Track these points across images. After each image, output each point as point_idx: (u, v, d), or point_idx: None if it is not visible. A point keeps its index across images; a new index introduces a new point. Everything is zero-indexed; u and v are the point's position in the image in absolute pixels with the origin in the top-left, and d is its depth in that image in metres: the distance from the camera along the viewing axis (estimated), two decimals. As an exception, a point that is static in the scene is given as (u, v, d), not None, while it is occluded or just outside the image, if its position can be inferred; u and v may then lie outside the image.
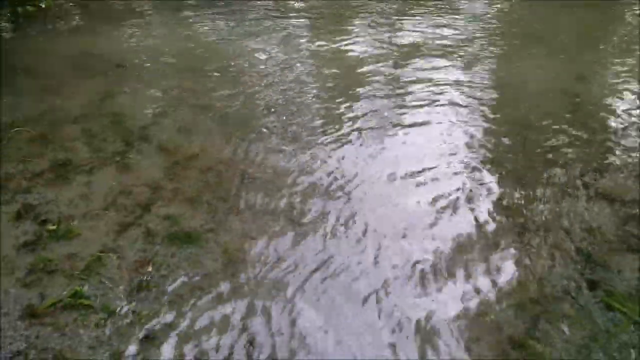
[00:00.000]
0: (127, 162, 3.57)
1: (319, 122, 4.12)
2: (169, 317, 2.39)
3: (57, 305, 2.42)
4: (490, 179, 3.48)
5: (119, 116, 4.06)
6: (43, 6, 5.00)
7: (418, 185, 3.41)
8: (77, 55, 4.72)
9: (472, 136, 3.98)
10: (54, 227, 2.97)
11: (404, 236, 2.95)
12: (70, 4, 5.46)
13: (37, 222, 3.01)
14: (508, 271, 2.71)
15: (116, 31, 5.09)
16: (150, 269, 2.69)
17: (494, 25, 6.19)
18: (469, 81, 4.85)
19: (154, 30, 5.19)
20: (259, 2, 6.23)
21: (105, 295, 2.50)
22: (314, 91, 4.56)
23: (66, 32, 5.02)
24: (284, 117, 4.14)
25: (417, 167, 3.57)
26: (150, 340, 2.27)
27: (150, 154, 3.66)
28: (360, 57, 5.25)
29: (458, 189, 3.36)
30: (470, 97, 4.55)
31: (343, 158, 3.67)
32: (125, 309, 2.43)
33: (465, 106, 4.41)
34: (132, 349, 2.23)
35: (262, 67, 4.84)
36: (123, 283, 2.58)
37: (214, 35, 5.21)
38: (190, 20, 5.41)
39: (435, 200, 3.25)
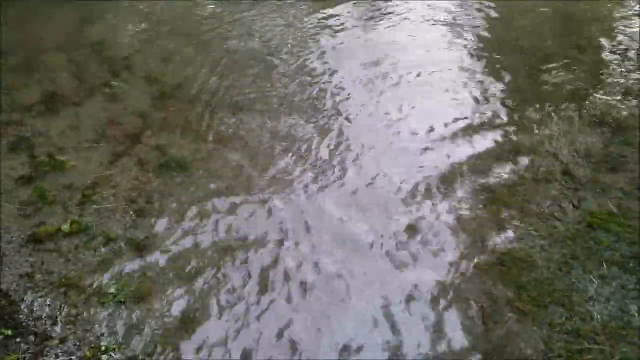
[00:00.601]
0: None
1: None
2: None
3: (58, 232, 2.56)
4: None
5: (100, 44, 4.02)
6: None
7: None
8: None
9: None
10: (48, 159, 3.07)
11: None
12: None
13: (31, 155, 3.10)
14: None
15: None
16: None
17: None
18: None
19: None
20: None
21: (103, 223, 2.64)
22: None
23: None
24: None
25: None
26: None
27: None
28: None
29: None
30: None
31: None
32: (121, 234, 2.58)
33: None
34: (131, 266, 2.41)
35: None
36: (118, 211, 2.72)
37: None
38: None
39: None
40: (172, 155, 3.14)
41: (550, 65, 3.91)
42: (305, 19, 4.51)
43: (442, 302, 2.26)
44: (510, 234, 2.60)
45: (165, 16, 4.38)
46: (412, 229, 2.62)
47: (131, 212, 2.71)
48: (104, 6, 4.41)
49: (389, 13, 4.68)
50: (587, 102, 3.54)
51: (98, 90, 3.64)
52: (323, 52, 4.09)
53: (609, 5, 4.84)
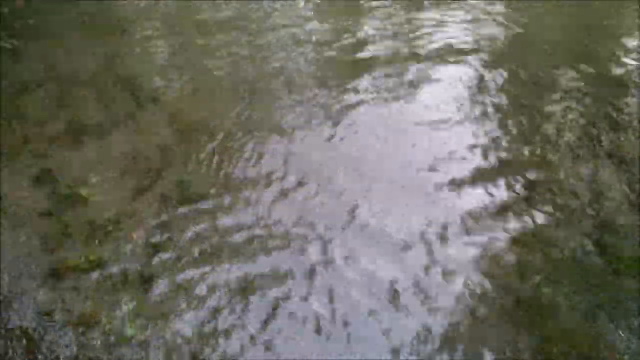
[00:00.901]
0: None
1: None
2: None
3: (77, 269, 2.58)
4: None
5: (128, 78, 4.10)
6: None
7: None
8: (83, 18, 4.73)
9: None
10: (70, 193, 3.11)
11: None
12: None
13: (54, 187, 3.15)
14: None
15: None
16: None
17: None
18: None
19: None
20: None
21: (123, 258, 2.66)
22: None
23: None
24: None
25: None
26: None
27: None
28: None
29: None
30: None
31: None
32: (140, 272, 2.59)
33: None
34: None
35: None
36: (139, 247, 2.73)
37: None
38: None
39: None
40: (194, 189, 3.16)
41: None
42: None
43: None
44: (533, 279, 2.53)
45: (194, 53, 4.44)
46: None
47: (151, 248, 2.72)
48: (134, 42, 4.51)
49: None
50: (605, 138, 3.48)
51: (124, 122, 3.70)
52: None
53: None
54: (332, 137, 3.58)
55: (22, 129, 3.58)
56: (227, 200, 3.07)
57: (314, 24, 4.87)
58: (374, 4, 5.36)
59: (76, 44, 4.48)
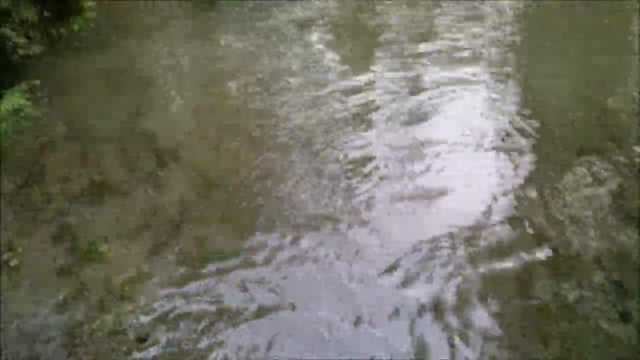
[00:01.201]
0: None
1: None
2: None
3: (95, 333, 2.53)
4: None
5: (150, 135, 4.16)
6: (76, 28, 5.16)
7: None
8: (107, 74, 4.88)
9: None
10: (89, 249, 3.11)
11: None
12: (104, 23, 5.61)
13: (73, 245, 3.15)
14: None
15: (144, 49, 5.23)
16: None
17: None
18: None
19: (180, 46, 5.30)
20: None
21: (138, 324, 2.61)
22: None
23: (96, 52, 5.18)
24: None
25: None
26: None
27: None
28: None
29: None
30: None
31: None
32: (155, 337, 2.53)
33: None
34: None
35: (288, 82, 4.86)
36: (155, 310, 2.68)
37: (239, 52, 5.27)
38: (216, 35, 5.49)
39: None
40: (212, 248, 3.14)
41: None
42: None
43: None
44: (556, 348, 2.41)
45: (213, 108, 4.52)
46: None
47: (167, 313, 2.67)
48: (157, 97, 4.61)
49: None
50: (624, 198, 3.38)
51: (145, 180, 3.73)
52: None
53: None
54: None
55: (46, 186, 3.63)
56: (244, 260, 3.03)
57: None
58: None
59: (100, 98, 4.60)
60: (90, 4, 5.33)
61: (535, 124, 4.19)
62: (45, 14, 5.11)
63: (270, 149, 4.04)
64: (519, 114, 4.38)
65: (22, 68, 4.73)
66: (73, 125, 4.20)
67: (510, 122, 4.28)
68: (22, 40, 4.62)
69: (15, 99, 2.69)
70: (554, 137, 4.04)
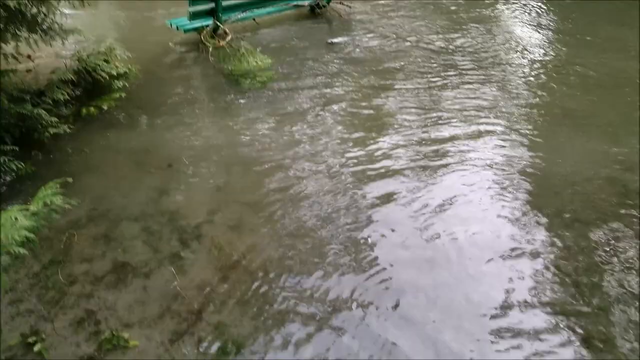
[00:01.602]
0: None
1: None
2: None
3: None
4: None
5: (174, 214, 4.25)
6: (105, 108, 5.38)
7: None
8: (133, 152, 5.03)
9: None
10: (112, 336, 3.14)
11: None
12: (130, 104, 5.86)
13: (96, 330, 3.19)
14: None
15: (170, 129, 5.42)
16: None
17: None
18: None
19: (205, 128, 5.49)
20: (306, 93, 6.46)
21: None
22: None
23: (123, 130, 5.36)
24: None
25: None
26: None
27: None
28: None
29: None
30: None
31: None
32: None
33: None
34: None
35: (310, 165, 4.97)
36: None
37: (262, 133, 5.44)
38: (240, 118, 5.69)
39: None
40: (231, 335, 3.17)
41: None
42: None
43: None
44: None
45: (236, 187, 4.61)
46: None
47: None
48: (180, 176, 4.72)
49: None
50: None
51: (168, 260, 3.79)
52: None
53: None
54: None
55: (70, 266, 3.70)
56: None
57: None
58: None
59: (126, 177, 4.71)
60: (120, 84, 5.58)
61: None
62: (77, 93, 5.36)
63: (291, 230, 4.10)
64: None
65: (52, 148, 4.92)
66: (99, 204, 4.30)
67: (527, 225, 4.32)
68: (53, 120, 4.80)
69: (48, 194, 2.78)
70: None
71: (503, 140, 5.31)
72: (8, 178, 4.49)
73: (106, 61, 5.64)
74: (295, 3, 8.42)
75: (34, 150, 4.81)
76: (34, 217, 2.62)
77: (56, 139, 4.92)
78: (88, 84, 5.47)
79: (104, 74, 5.51)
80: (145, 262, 3.76)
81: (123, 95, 5.65)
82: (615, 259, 3.86)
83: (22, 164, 4.44)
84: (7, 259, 2.53)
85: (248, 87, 6.35)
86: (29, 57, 5.36)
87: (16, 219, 2.52)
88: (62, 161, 4.85)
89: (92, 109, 5.35)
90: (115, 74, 5.66)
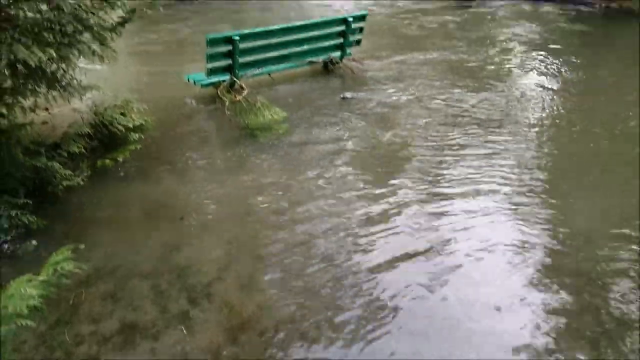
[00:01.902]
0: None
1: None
2: None
3: None
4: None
5: (184, 270, 4.17)
6: (120, 160, 5.42)
7: None
8: (146, 205, 5.02)
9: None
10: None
11: None
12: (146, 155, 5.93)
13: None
14: None
15: (184, 182, 5.43)
16: None
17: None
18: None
19: (218, 181, 5.50)
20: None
21: None
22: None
23: (137, 183, 5.40)
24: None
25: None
26: None
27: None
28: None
29: None
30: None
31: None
32: None
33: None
34: None
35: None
36: None
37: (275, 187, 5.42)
38: (253, 168, 5.70)
39: None
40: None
41: None
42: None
43: None
44: None
45: (247, 242, 4.55)
46: None
47: None
48: (191, 230, 4.68)
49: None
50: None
51: (176, 320, 3.69)
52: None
53: None
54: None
55: (78, 325, 3.60)
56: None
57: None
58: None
59: (137, 231, 4.68)
60: (135, 136, 5.64)
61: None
62: (93, 145, 5.41)
63: (304, 288, 4.00)
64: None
65: (65, 200, 4.92)
66: (109, 260, 4.24)
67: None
68: (67, 173, 4.82)
69: (59, 261, 2.74)
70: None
71: (517, 196, 5.22)
72: (19, 232, 4.46)
73: (122, 114, 5.71)
74: (309, 60, 8.57)
75: (47, 203, 4.81)
76: (43, 284, 2.56)
77: (69, 191, 4.93)
78: (104, 137, 5.52)
79: (120, 127, 5.56)
80: (154, 322, 3.67)
81: (139, 147, 5.69)
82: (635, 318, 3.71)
83: (34, 217, 4.43)
84: (13, 328, 2.45)
85: (263, 140, 6.39)
86: (46, 109, 5.44)
87: (25, 290, 2.47)
88: (74, 214, 4.85)
89: (107, 161, 5.37)
90: (131, 126, 5.72)
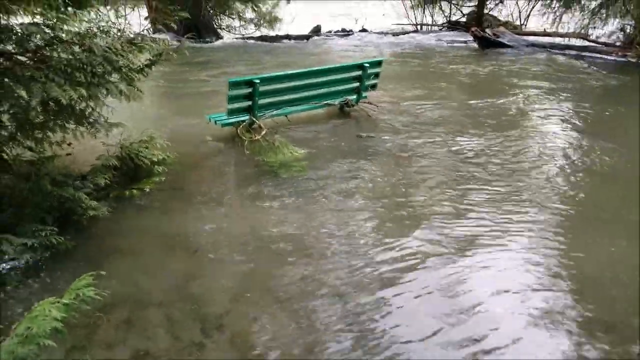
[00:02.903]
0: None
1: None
2: None
3: None
4: None
5: (198, 301, 4.28)
6: (147, 190, 5.63)
7: None
8: (165, 236, 5.19)
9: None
10: None
11: None
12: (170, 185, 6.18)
13: None
14: None
15: (202, 215, 5.62)
16: None
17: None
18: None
19: (235, 215, 5.66)
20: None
21: None
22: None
23: (158, 215, 5.59)
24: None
25: None
26: None
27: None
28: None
29: None
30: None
31: None
32: None
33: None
34: None
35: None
36: None
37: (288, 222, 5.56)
38: (272, 208, 5.85)
39: None
40: None
41: None
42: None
43: None
44: None
45: (261, 276, 4.64)
46: None
47: None
48: (206, 262, 4.81)
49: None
50: None
51: (188, 350, 3.77)
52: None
53: None
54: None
55: (91, 353, 3.70)
56: None
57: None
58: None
59: (154, 261, 4.82)
60: (159, 169, 5.91)
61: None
62: (117, 177, 5.66)
63: (316, 327, 4.05)
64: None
65: (88, 227, 5.13)
66: (124, 288, 4.37)
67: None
68: (93, 203, 5.02)
69: (81, 286, 2.89)
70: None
71: (529, 243, 5.24)
72: (44, 254, 4.70)
73: (146, 148, 6.01)
74: (325, 102, 8.84)
75: (71, 230, 5.02)
76: (65, 307, 2.71)
77: (93, 219, 5.14)
78: (130, 169, 5.84)
79: (145, 160, 5.92)
80: (166, 351, 3.75)
81: (163, 179, 5.99)
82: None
83: (62, 238, 4.66)
84: (35, 348, 2.59)
85: (280, 177, 6.58)
86: (69, 144, 5.73)
87: (50, 311, 2.63)
88: (96, 241, 5.03)
89: (134, 191, 5.69)
90: (155, 159, 6.07)
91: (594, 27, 14.94)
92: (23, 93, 4.32)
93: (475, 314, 4.12)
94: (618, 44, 14.94)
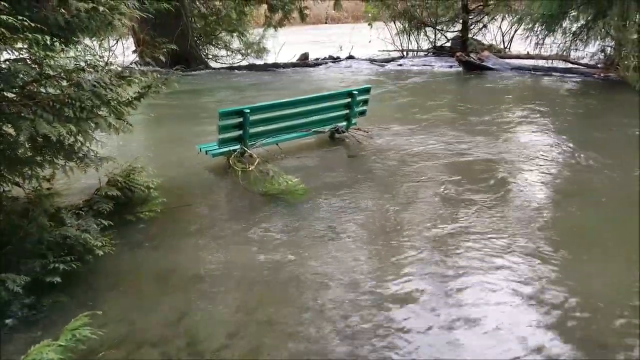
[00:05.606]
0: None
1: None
2: None
3: None
4: None
5: (193, 337, 4.18)
6: (149, 215, 5.82)
7: None
8: (158, 271, 5.15)
9: None
10: None
11: None
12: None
13: None
14: None
15: (195, 248, 5.58)
16: None
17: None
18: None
19: (229, 248, 5.61)
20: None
21: None
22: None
23: (151, 250, 5.55)
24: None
25: None
26: None
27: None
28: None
29: None
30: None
31: None
32: None
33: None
34: None
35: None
36: None
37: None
38: (266, 239, 5.80)
39: None
40: None
41: None
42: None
43: None
44: None
45: (256, 309, 4.57)
46: None
47: None
48: (203, 297, 4.72)
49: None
50: None
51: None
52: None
53: None
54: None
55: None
56: None
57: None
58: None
59: (149, 298, 4.72)
60: (155, 194, 5.90)
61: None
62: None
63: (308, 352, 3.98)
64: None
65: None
66: (120, 327, 4.26)
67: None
68: (98, 244, 4.92)
69: (77, 326, 2.82)
70: None
71: (522, 267, 5.20)
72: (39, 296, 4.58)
73: (135, 180, 6.07)
74: (315, 129, 8.87)
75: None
76: (61, 349, 2.63)
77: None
78: (127, 198, 5.95)
79: (142, 187, 6.04)
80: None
81: (160, 208, 6.01)
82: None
83: (60, 278, 4.53)
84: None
85: (275, 207, 6.53)
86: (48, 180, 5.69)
87: (46, 354, 2.55)
88: (90, 278, 4.96)
89: (145, 214, 5.91)
90: (151, 185, 6.18)
91: (576, 49, 15.19)
92: (11, 130, 4.27)
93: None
94: (600, 65, 15.21)
